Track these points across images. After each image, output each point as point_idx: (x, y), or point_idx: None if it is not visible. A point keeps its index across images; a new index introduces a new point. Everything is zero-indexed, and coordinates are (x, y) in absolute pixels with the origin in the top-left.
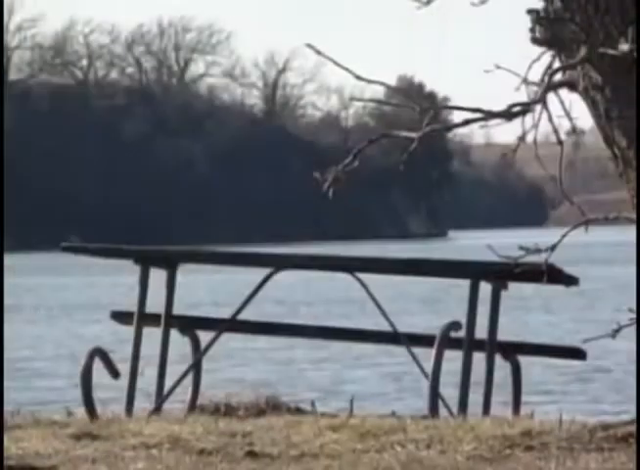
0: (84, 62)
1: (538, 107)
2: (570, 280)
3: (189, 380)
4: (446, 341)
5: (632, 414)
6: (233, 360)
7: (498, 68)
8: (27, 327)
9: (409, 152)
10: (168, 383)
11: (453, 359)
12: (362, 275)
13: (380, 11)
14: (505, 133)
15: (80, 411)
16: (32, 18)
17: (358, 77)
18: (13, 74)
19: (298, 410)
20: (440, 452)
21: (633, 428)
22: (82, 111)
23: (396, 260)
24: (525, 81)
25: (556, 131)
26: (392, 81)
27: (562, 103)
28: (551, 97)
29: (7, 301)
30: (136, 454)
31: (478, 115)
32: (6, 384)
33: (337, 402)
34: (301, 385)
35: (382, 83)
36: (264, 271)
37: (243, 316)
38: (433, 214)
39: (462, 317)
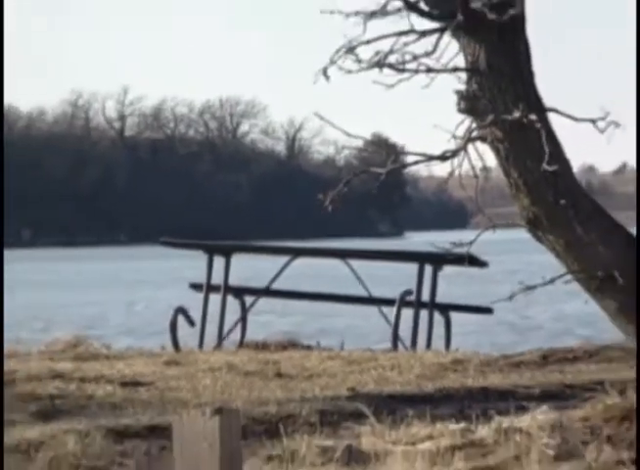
0: (172, 124)
1: (462, 152)
2: (482, 264)
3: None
4: (403, 302)
5: (523, 347)
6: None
7: (436, 126)
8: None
9: (379, 182)
10: (226, 328)
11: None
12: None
13: (359, 89)
14: (441, 169)
15: (169, 346)
16: (139, 96)
17: (347, 134)
18: (127, 132)
19: (308, 347)
20: (399, 373)
21: (524, 357)
22: (170, 156)
23: (372, 251)
24: (454, 137)
25: (473, 168)
26: (369, 136)
27: (477, 150)
28: (470, 146)
29: (129, 276)
30: (205, 375)
31: (423, 157)
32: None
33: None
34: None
35: (362, 137)
36: (286, 258)
37: (274, 286)
38: (394, 222)
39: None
